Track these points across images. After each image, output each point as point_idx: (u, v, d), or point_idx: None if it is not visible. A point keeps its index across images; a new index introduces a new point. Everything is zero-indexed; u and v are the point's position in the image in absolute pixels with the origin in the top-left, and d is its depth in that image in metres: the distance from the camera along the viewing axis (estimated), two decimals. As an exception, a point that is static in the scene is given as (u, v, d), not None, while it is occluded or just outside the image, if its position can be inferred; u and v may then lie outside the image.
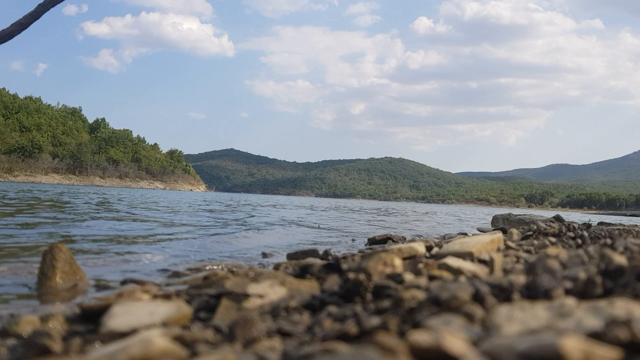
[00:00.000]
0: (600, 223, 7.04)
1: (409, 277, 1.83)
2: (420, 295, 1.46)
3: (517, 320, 1.23)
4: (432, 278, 1.90)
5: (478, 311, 1.28)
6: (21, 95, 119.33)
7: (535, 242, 3.58)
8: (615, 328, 0.90)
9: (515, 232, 4.46)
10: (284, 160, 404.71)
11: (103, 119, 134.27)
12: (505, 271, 2.01)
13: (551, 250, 2.28)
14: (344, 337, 1.24)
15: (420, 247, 2.47)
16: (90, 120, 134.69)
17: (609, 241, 2.60)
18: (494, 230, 6.03)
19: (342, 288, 1.74)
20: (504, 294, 1.46)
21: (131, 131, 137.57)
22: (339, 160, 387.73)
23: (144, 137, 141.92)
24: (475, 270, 2.03)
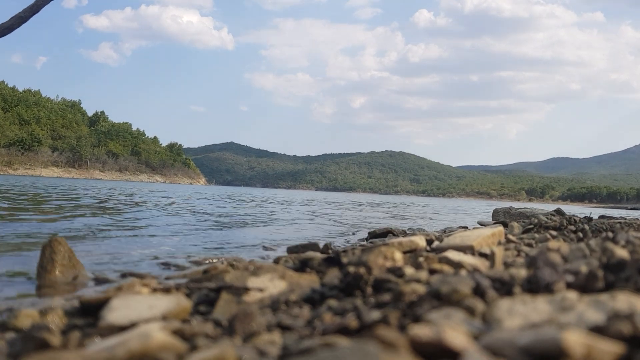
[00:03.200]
0: (602, 216, 7.03)
1: (409, 270, 1.82)
2: (421, 289, 1.46)
3: (519, 314, 1.22)
4: (432, 272, 1.90)
5: (479, 305, 1.27)
6: (20, 89, 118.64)
7: (537, 235, 3.58)
8: (618, 322, 0.89)
9: (516, 226, 4.45)
10: (284, 154, 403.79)
11: (102, 112, 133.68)
12: (507, 265, 2.00)
13: (552, 244, 2.27)
14: (344, 331, 1.23)
15: (420, 241, 2.46)
16: (90, 113, 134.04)
17: (610, 234, 2.59)
18: (494, 223, 6.03)
19: (342, 282, 1.73)
20: (505, 287, 1.45)
21: (130, 124, 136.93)
22: (340, 153, 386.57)
23: (143, 131, 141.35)
24: (476, 263, 2.02)
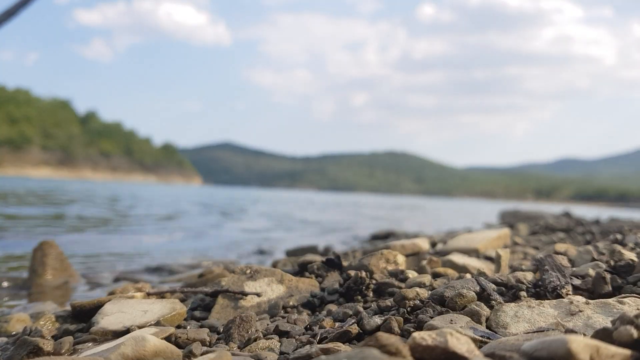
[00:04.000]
0: (612, 219, 6.97)
1: (412, 274, 1.79)
2: (424, 293, 1.43)
3: (525, 319, 1.20)
4: (436, 275, 1.87)
5: (484, 310, 1.25)
6: (9, 86, 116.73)
7: (544, 237, 3.54)
8: (625, 327, 0.85)
9: (523, 228, 4.41)
10: (283, 153, 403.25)
11: (93, 113, 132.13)
12: (513, 268, 1.97)
13: (559, 246, 2.23)
14: (345, 338, 1.21)
15: (424, 243, 2.42)
16: (82, 111, 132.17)
17: (619, 237, 2.55)
18: (501, 225, 5.98)
19: (342, 286, 1.71)
20: (510, 292, 1.42)
21: (122, 124, 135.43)
22: (340, 153, 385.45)
23: (135, 130, 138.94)
24: (481, 267, 1.99)
